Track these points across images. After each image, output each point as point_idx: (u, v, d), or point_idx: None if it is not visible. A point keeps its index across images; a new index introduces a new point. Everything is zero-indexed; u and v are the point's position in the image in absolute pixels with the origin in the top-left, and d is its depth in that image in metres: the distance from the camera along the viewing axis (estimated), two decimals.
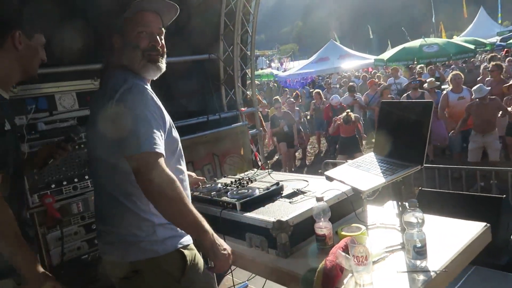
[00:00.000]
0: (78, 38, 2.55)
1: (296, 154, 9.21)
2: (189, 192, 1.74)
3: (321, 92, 10.65)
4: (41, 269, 1.42)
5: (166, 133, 1.52)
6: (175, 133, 1.64)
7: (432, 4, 29.11)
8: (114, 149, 1.44)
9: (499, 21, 26.03)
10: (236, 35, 4.51)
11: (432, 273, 1.37)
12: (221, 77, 4.69)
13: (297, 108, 9.61)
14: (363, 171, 1.68)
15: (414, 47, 12.48)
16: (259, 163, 4.85)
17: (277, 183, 2.06)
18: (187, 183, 1.74)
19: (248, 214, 1.79)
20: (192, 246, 1.65)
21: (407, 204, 1.42)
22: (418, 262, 1.41)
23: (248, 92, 4.85)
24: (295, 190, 2.00)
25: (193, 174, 2.27)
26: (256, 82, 27.97)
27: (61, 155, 1.87)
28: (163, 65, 1.67)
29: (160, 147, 1.41)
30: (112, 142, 1.42)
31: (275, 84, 23.67)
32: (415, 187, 4.34)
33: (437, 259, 1.45)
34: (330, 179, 1.78)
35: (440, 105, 6.39)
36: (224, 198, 1.96)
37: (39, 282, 1.40)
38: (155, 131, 1.42)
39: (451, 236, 1.62)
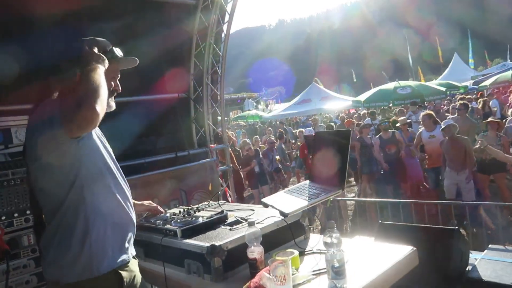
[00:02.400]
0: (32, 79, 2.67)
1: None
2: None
3: (303, 130, 10.88)
4: None
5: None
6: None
7: (408, 50, 30.52)
8: None
9: (471, 66, 27.35)
10: (205, 75, 4.70)
11: None
12: (191, 115, 4.83)
13: (276, 147, 9.76)
14: (294, 197, 1.76)
15: (389, 90, 12.99)
16: (229, 199, 4.90)
17: (222, 212, 2.13)
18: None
19: (186, 240, 1.84)
20: (131, 266, 1.68)
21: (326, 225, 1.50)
22: (336, 282, 1.47)
23: (218, 130, 4.98)
24: (238, 218, 2.06)
25: (145, 203, 2.32)
26: (242, 123, 28.43)
27: None
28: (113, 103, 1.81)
29: None
30: None
31: (261, 125, 24.12)
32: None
33: (357, 280, 1.51)
34: (265, 205, 1.85)
35: (415, 143, 6.72)
36: (167, 226, 2.02)
37: None
38: None
39: (376, 258, 1.68)
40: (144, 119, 4.32)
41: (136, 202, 2.23)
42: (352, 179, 10.02)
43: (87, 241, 1.57)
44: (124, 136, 4.13)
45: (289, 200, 1.75)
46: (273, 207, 1.74)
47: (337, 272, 1.46)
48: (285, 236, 1.97)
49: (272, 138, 9.80)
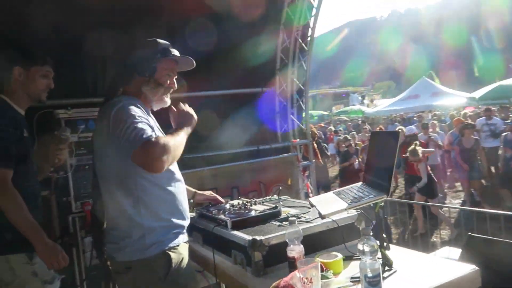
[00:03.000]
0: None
1: None
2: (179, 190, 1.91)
3: (403, 128, 10.20)
4: (49, 241, 1.86)
5: None
6: None
7: None
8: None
9: None
10: (290, 70, 4.72)
11: None
12: (276, 110, 4.89)
13: None
14: (339, 199, 1.69)
15: (510, 85, 11.30)
16: (310, 194, 4.87)
17: (275, 207, 2.14)
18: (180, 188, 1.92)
19: (234, 232, 1.90)
20: (181, 249, 1.81)
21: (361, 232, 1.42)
22: None
23: (301, 125, 4.97)
24: (290, 215, 2.05)
25: (206, 193, 2.45)
26: (345, 118, 27.70)
27: (61, 156, 2.31)
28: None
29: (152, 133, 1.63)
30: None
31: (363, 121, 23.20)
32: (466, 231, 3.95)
33: None
34: (311, 204, 1.82)
35: None
36: (220, 216, 2.10)
37: (47, 251, 1.82)
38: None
39: (426, 273, 1.53)
40: (229, 112, 4.52)
41: (197, 191, 2.37)
42: (459, 183, 9.10)
43: (141, 226, 1.74)
44: (209, 128, 4.39)
45: (333, 202, 1.68)
46: (315, 207, 1.69)
47: (370, 282, 1.37)
48: (336, 238, 1.91)
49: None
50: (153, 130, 1.65)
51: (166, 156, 1.58)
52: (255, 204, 2.34)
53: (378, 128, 12.26)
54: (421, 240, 5.53)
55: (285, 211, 2.20)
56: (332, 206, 1.60)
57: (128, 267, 1.74)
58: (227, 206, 2.35)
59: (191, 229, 2.32)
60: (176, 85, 1.99)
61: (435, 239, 5.74)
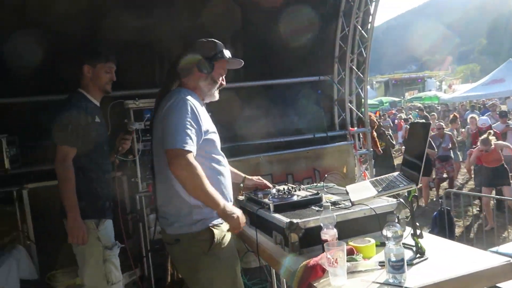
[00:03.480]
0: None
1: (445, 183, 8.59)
2: (224, 180, 2.10)
3: (476, 116, 9.54)
4: (80, 220, 2.31)
5: (201, 137, 1.95)
6: (212, 137, 2.05)
7: None
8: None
9: None
10: (348, 58, 4.68)
11: None
12: (334, 98, 4.90)
13: (449, 133, 8.82)
14: (373, 187, 1.76)
15: None
16: None
17: (317, 193, 2.25)
18: (223, 173, 2.11)
19: (275, 214, 2.06)
20: (223, 227, 2.02)
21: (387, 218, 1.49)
22: (392, 276, 1.45)
23: (359, 113, 4.92)
24: (329, 201, 2.15)
25: (254, 178, 2.62)
26: (418, 104, 26.30)
27: (125, 145, 2.66)
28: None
29: (190, 146, 1.83)
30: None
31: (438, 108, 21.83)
32: None
33: (421, 279, 1.45)
34: (346, 191, 1.90)
35: None
36: (265, 200, 2.26)
37: (75, 227, 2.28)
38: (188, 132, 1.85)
39: (457, 262, 1.56)
40: (287, 101, 4.64)
41: (247, 176, 2.56)
42: None
43: (188, 205, 1.96)
44: (267, 116, 4.56)
45: (365, 189, 1.76)
46: (347, 193, 1.78)
47: (393, 266, 1.45)
48: (374, 225, 1.97)
49: (441, 123, 8.89)
50: (192, 141, 1.85)
51: (187, 173, 1.80)
52: (299, 190, 2.46)
53: (452, 116, 11.51)
54: (489, 235, 5.24)
55: (327, 197, 2.30)
56: (363, 193, 1.68)
57: (177, 239, 1.98)
58: (273, 191, 2.50)
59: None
60: (225, 83, 2.18)
61: (505, 235, 5.39)
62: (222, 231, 2.02)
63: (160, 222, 2.12)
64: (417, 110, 20.44)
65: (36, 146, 3.51)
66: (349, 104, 4.82)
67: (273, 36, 4.35)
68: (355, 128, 4.85)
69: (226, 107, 4.38)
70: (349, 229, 1.92)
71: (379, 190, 1.63)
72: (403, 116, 17.00)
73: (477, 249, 1.68)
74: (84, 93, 2.50)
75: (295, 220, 1.86)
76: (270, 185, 2.60)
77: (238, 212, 1.94)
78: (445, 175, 8.62)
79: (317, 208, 2.08)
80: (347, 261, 1.58)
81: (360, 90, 4.90)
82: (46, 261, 3.40)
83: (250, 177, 2.57)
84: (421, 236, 1.74)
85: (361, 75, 4.82)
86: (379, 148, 5.76)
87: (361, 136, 5.13)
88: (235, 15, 4.23)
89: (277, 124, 4.59)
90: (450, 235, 5.00)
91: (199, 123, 1.94)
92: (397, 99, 31.55)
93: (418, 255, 1.67)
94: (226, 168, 2.15)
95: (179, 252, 2.02)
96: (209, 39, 2.14)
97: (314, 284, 1.54)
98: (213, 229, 1.98)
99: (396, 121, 16.34)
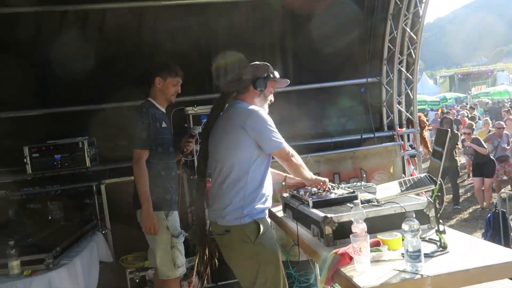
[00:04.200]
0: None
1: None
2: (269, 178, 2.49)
3: None
4: (152, 212, 2.72)
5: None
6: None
7: None
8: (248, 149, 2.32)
9: None
10: (396, 60, 4.77)
11: (416, 276, 1.61)
12: (382, 99, 5.00)
13: (507, 133, 8.42)
14: (399, 186, 1.97)
15: None
16: None
17: (353, 192, 2.47)
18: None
19: (312, 209, 2.32)
20: (265, 220, 2.34)
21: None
22: (410, 265, 1.66)
23: (407, 114, 4.98)
24: (364, 200, 2.37)
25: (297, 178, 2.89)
26: (486, 100, 24.65)
27: (188, 147, 3.04)
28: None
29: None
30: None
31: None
32: None
33: (437, 269, 1.65)
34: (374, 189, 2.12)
35: None
36: (305, 197, 2.53)
37: (148, 219, 2.71)
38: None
39: (476, 256, 1.73)
40: (335, 103, 4.85)
41: (288, 175, 2.84)
42: None
43: (241, 201, 2.30)
44: (316, 118, 4.79)
45: (391, 188, 1.96)
46: (375, 193, 2.00)
47: (410, 256, 1.66)
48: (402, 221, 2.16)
49: (501, 123, 8.48)
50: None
51: (295, 159, 2.43)
52: (337, 188, 2.69)
53: None
54: None
55: (363, 196, 2.51)
56: (388, 192, 1.89)
57: (227, 230, 2.31)
58: (314, 189, 2.76)
59: (285, 207, 2.83)
60: (273, 100, 2.54)
61: None
62: (266, 224, 2.33)
63: (211, 216, 2.46)
64: (483, 107, 19.24)
65: (111, 147, 4.08)
66: (397, 105, 4.90)
67: (320, 40, 4.57)
68: (404, 128, 4.92)
69: (278, 109, 4.72)
70: (379, 224, 2.13)
71: (403, 189, 1.83)
72: (466, 113, 16.16)
73: (497, 245, 1.82)
74: (153, 102, 2.93)
75: (329, 215, 2.11)
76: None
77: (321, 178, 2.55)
78: (505, 177, 8.26)
79: (352, 205, 2.31)
80: (373, 251, 1.81)
81: (409, 91, 4.94)
82: (120, 246, 3.95)
83: (291, 176, 2.85)
84: (444, 232, 1.92)
85: (410, 76, 4.87)
86: (429, 148, 5.73)
87: (413, 137, 5.18)
88: (284, 20, 4.53)
89: (325, 126, 4.81)
90: (505, 239, 4.88)
91: None
92: (462, 95, 29.81)
93: (440, 249, 1.85)
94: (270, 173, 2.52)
95: (229, 241, 2.35)
96: (264, 63, 2.49)
97: (342, 269, 1.79)
98: (259, 222, 2.29)
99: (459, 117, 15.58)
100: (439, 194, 1.91)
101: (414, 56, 4.79)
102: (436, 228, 1.95)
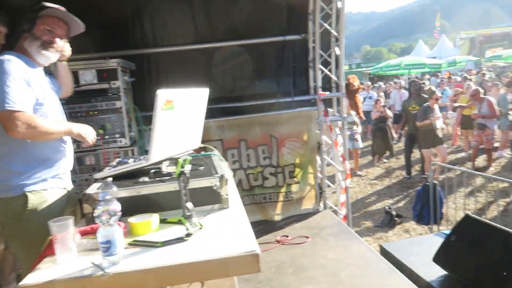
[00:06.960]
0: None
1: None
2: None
3: None
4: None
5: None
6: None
7: None
8: None
9: None
10: (318, 15, 4.24)
11: (98, 272, 1.30)
12: (308, 59, 4.51)
13: (489, 99, 7.78)
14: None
15: None
16: (340, 153, 4.51)
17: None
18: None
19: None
20: (43, 193, 2.02)
21: None
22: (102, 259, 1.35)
23: (333, 76, 4.49)
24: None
25: None
26: (500, 63, 23.19)
27: None
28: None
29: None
30: None
31: None
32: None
33: (139, 263, 1.34)
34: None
35: None
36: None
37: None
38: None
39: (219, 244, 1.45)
40: (249, 63, 4.40)
41: None
42: None
43: (8, 168, 1.98)
44: (226, 79, 4.38)
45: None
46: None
47: (102, 248, 1.34)
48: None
49: (478, 88, 7.85)
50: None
51: (27, 130, 1.87)
52: (139, 160, 2.32)
53: (509, 79, 10.02)
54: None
55: (174, 169, 2.16)
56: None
57: None
58: (115, 162, 2.41)
59: None
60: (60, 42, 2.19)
61: None
62: (40, 197, 2.01)
63: None
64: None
65: None
66: (320, 65, 4.40)
67: None
68: (327, 92, 4.45)
69: (181, 68, 4.29)
70: (156, 204, 1.82)
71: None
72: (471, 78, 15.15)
73: (248, 235, 1.48)
74: None
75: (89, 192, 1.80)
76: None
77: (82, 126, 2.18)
78: (482, 146, 7.83)
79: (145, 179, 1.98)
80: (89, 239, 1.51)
81: (336, 48, 4.43)
82: None
83: None
84: (190, 217, 1.60)
85: (336, 33, 4.35)
86: (361, 114, 5.26)
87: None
88: None
89: (238, 88, 4.38)
90: (435, 213, 4.51)
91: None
92: (474, 58, 28.13)
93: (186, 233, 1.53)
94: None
95: None
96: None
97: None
98: (28, 194, 1.98)
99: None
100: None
101: (339, 6, 4.21)
102: (187, 212, 1.62)
